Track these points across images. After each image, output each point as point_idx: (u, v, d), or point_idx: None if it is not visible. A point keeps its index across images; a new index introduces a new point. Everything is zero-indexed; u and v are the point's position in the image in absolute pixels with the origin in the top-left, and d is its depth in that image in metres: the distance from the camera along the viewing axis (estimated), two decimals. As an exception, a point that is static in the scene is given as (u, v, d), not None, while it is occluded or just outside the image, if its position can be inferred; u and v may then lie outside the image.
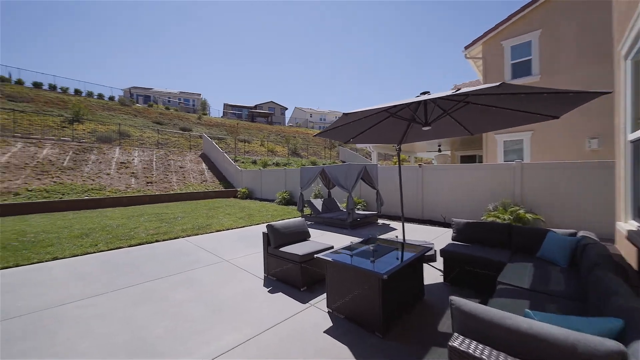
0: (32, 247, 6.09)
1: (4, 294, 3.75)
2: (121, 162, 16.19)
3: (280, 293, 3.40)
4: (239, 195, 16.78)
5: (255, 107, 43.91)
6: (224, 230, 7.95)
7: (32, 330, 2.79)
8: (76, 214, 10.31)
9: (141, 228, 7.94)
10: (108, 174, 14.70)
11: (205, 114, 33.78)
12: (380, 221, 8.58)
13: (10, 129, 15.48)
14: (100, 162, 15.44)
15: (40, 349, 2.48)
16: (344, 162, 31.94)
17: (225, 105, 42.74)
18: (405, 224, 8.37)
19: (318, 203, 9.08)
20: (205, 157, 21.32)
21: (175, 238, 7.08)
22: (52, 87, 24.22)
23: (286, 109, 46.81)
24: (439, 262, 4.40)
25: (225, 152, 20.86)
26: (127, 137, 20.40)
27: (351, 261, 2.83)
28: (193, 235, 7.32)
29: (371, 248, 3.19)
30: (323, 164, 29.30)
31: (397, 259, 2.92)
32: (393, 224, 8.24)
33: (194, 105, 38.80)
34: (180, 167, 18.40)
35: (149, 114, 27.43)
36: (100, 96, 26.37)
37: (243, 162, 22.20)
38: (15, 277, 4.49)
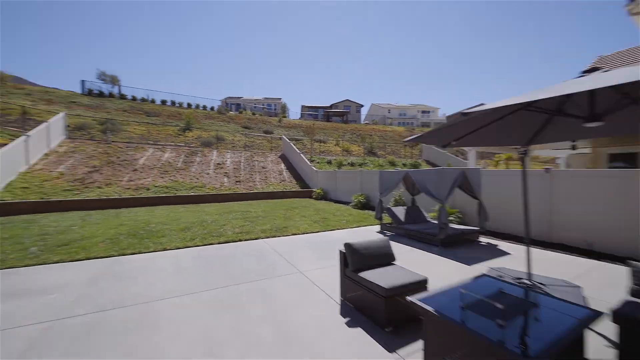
0: (151, 236, 7.25)
1: (127, 279, 4.47)
2: (217, 163, 18.54)
3: (359, 329, 2.91)
4: (314, 196, 17.10)
5: (331, 106, 44.60)
6: (299, 234, 7.99)
7: (138, 321, 3.20)
8: (185, 207, 12.15)
9: (229, 226, 8.67)
10: (207, 174, 17.02)
11: (284, 117, 36.12)
12: (482, 239, 6.99)
13: (146, 137, 19.59)
14: (203, 163, 18.00)
15: (140, 344, 2.73)
16: (428, 161, 29.28)
17: (303, 107, 44.83)
18: (526, 248, 6.75)
19: (400, 212, 8.10)
20: (284, 158, 22.62)
21: (255, 239, 7.44)
22: (172, 103, 30.01)
23: (362, 106, 46.01)
24: (604, 325, 2.48)
25: (302, 153, 21.66)
26: (222, 141, 23.35)
27: (465, 318, 1.88)
28: (271, 237, 7.57)
29: (497, 299, 2.08)
30: (403, 165, 27.61)
31: (547, 324, 1.86)
32: (502, 244, 6.55)
33: (275, 109, 41.95)
34: (263, 168, 19.95)
35: (239, 119, 30.93)
36: (204, 107, 31.30)
37: (318, 162, 22.64)
38: (137, 263, 5.37)
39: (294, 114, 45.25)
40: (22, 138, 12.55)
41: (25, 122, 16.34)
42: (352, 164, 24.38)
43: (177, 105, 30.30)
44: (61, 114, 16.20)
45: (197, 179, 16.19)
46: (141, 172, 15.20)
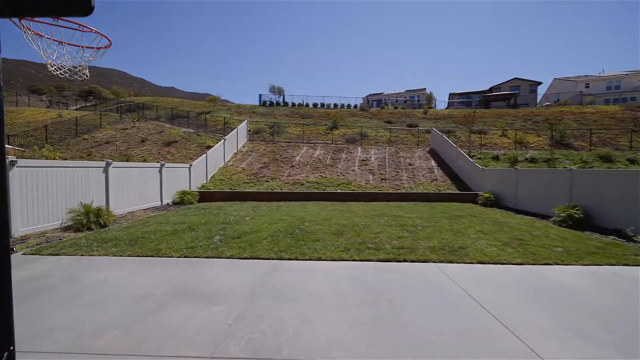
0: (306, 238, 6.62)
1: (285, 301, 3.52)
2: (362, 160, 17.71)
3: None
4: (480, 201, 13.02)
5: (491, 89, 35.48)
6: (488, 262, 5.30)
7: None
8: (333, 205, 11.72)
9: (384, 234, 7.06)
10: (353, 170, 16.43)
11: (430, 107, 31.62)
12: None
13: (301, 137, 21.61)
14: (348, 160, 17.66)
15: None
16: None
17: (451, 95, 38.12)
18: None
19: None
20: (433, 153, 19.14)
21: (424, 261, 5.40)
22: (322, 105, 32.60)
23: (539, 83, 33.98)
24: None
25: (459, 147, 17.44)
26: (366, 137, 22.56)
27: None
28: (446, 262, 5.31)
29: None
30: (629, 161, 17.53)
31: None
32: None
33: (419, 100, 37.83)
34: (410, 164, 17.45)
35: (381, 115, 29.52)
36: (348, 106, 32.12)
37: (480, 158, 17.69)
38: (293, 276, 4.45)
39: (441, 103, 39.37)
40: (222, 141, 16.14)
41: (226, 130, 21.49)
42: (532, 160, 17.67)
43: (325, 106, 32.70)
44: (245, 121, 20.18)
45: (343, 175, 15.89)
46: (297, 168, 16.46)
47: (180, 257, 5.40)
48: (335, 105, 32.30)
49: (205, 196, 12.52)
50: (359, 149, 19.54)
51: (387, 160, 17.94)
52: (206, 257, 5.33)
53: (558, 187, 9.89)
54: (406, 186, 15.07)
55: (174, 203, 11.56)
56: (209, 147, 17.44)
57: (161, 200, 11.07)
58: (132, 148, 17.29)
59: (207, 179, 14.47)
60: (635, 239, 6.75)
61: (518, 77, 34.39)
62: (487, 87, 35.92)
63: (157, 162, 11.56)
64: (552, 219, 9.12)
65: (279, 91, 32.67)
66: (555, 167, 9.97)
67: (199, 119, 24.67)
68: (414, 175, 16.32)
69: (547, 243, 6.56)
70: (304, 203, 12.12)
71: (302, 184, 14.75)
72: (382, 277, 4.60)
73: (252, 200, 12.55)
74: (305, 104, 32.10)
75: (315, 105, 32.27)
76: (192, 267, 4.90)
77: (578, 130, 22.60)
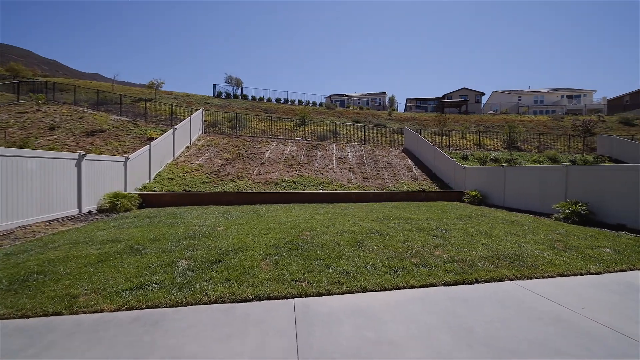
0: (322, 255, 4.60)
1: None
2: (339, 158, 16.04)
3: None
4: (466, 200, 12.47)
5: (444, 97, 37.74)
6: (568, 274, 4.16)
7: None
8: (323, 207, 9.65)
9: (414, 242, 5.44)
10: (332, 169, 14.62)
11: (394, 110, 31.90)
12: None
13: (266, 132, 18.99)
14: (324, 157, 15.80)
15: None
16: (603, 156, 20.07)
17: (408, 100, 39.51)
18: None
19: None
20: (408, 152, 18.56)
21: (499, 279, 3.98)
22: (285, 101, 30.22)
23: (482, 94, 37.30)
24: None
25: (435, 146, 17.08)
26: (337, 135, 21.06)
27: None
28: (524, 277, 4.16)
29: None
30: (571, 161, 19.52)
31: None
32: None
33: (380, 103, 38.26)
34: (388, 163, 16.42)
35: (348, 114, 28.54)
36: (313, 104, 30.38)
37: (452, 158, 17.61)
38: (334, 330, 2.26)
39: (401, 107, 40.45)
40: (170, 131, 12.72)
41: (173, 120, 17.66)
42: (496, 160, 18.34)
43: (290, 102, 30.42)
44: (200, 111, 16.76)
45: (322, 174, 13.95)
46: (268, 165, 13.95)
47: (119, 309, 2.82)
48: (300, 102, 30.31)
49: (149, 200, 9.24)
50: (334, 146, 17.87)
51: (365, 158, 16.62)
52: (172, 306, 2.87)
53: (552, 184, 9.58)
54: (390, 185, 13.86)
55: (101, 210, 8.11)
56: (151, 139, 13.77)
57: (79, 207, 7.58)
58: (36, 137, 12.55)
59: (150, 178, 11.02)
60: None
61: (466, 87, 37.37)
62: (440, 95, 38.21)
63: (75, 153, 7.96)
64: (555, 216, 8.67)
65: (237, 83, 29.21)
66: (569, 165, 9.65)
67: (137, 106, 20.07)
68: (394, 174, 15.26)
69: (586, 243, 5.75)
70: (286, 206, 9.80)
71: (277, 184, 12.34)
72: (471, 310, 2.89)
73: (216, 204, 9.71)
74: (267, 98, 29.35)
75: (278, 100, 29.75)
76: (148, 334, 2.40)
77: (524, 134, 24.74)
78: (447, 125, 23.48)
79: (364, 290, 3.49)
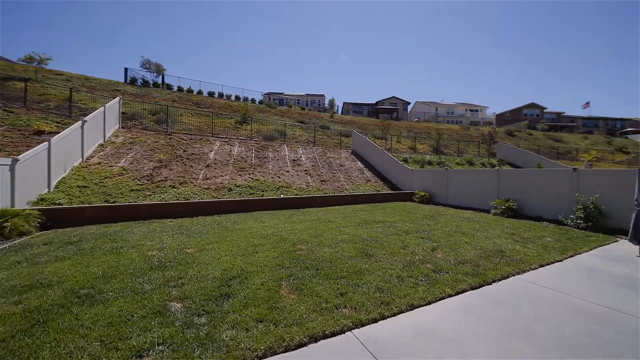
0: (339, 272, 4.21)
1: None
2: (292, 160, 15.47)
3: None
4: (416, 199, 13.76)
5: (377, 103, 41.23)
6: (544, 264, 5.17)
7: None
8: (292, 214, 8.98)
9: (413, 247, 5.88)
10: (287, 172, 13.94)
11: (335, 113, 33.00)
12: None
13: (203, 129, 16.81)
14: (278, 159, 14.97)
15: None
16: (506, 161, 25.32)
17: (345, 104, 41.63)
18: None
19: None
20: (356, 155, 19.37)
21: (506, 276, 4.76)
22: (220, 95, 27.47)
23: (409, 103, 42.37)
24: None
25: (384, 150, 18.29)
26: (284, 135, 20.37)
27: None
28: (520, 271, 4.68)
29: None
30: (482, 164, 23.80)
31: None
32: None
33: (319, 104, 39.10)
34: (340, 165, 16.74)
35: (291, 114, 28.02)
36: (253, 100, 28.57)
37: (400, 161, 19.24)
38: None
39: (338, 110, 41.98)
40: (78, 124, 9.80)
41: (73, 109, 13.82)
42: (430, 162, 20.92)
43: (225, 97, 27.76)
44: (116, 99, 13.54)
45: (278, 177, 13.11)
46: (215, 168, 12.26)
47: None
48: (238, 98, 28.04)
49: (57, 217, 6.78)
50: (285, 147, 17.14)
51: (318, 160, 16.48)
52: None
53: (487, 184, 11.39)
54: (347, 187, 14.08)
55: (-27, 238, 5.49)
56: (40, 133, 10.46)
57: None
58: None
59: (50, 187, 8.19)
60: (565, 222, 8.26)
61: (395, 96, 41.80)
62: (373, 101, 41.62)
63: None
64: (493, 211, 10.30)
65: (158, 69, 24.92)
66: (501, 169, 11.42)
67: (7, 87, 14.93)
68: (349, 176, 15.61)
69: (533, 234, 7.14)
70: (251, 215, 8.72)
71: (230, 189, 10.93)
72: (511, 311, 3.32)
73: (160, 218, 7.87)
74: (197, 91, 26.00)
75: (211, 94, 26.75)
76: None
77: (445, 141, 29.01)
78: (390, 130, 25.57)
79: (412, 307, 3.33)
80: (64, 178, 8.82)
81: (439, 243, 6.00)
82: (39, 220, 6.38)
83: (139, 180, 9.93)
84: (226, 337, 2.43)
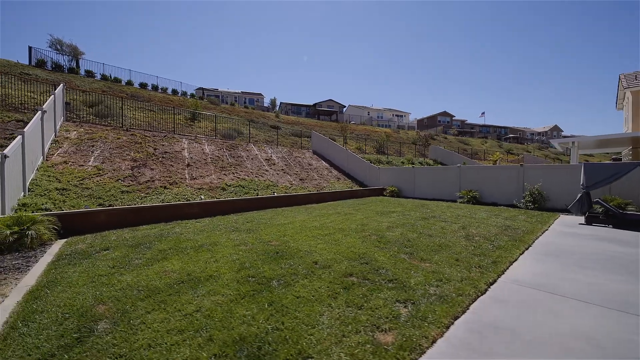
0: (429, 250, 5.70)
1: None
2: (265, 159, 16.02)
3: None
4: (386, 194, 16.36)
5: (315, 105, 43.80)
6: (543, 234, 7.35)
7: None
8: (307, 209, 9.96)
9: (451, 227, 7.47)
10: (266, 171, 14.52)
11: (280, 113, 33.81)
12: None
13: (153, 125, 15.54)
14: (252, 158, 15.30)
15: None
16: (437, 161, 31.17)
17: (281, 104, 42.79)
18: None
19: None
20: (318, 154, 21.04)
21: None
22: (155, 88, 24.71)
23: (344, 107, 46.49)
24: None
25: (347, 149, 20.49)
26: (242, 134, 20.39)
27: None
28: (540, 236, 6.80)
29: None
30: (420, 163, 28.76)
31: None
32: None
33: (258, 102, 39.12)
34: (309, 165, 18.14)
35: (236, 112, 27.57)
36: (192, 95, 26.74)
37: (366, 160, 21.80)
38: None
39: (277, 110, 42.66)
40: (38, 115, 8.35)
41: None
42: (379, 161, 24.31)
43: (161, 90, 25.02)
44: (60, 87, 11.47)
45: (262, 176, 13.60)
46: (197, 167, 11.93)
47: None
48: (175, 92, 25.69)
49: (65, 224, 6.10)
50: (253, 147, 17.40)
51: (288, 160, 17.41)
52: None
53: (451, 179, 14.58)
54: (325, 185, 15.58)
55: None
56: None
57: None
58: None
59: (25, 190, 7.00)
60: (518, 205, 11.46)
61: (332, 99, 45.32)
62: (310, 102, 44.06)
63: None
64: (459, 200, 13.34)
65: (73, 52, 20.69)
66: (462, 165, 14.73)
67: None
68: (321, 174, 17.13)
69: (509, 215, 9.40)
70: (272, 212, 9.34)
71: (224, 189, 11.02)
72: (561, 256, 5.23)
73: (179, 219, 7.75)
74: (127, 81, 22.61)
75: (143, 85, 23.71)
76: None
77: (386, 142, 33.44)
78: (347, 133, 28.03)
79: (511, 263, 4.69)
80: (35, 179, 7.56)
81: (461, 224, 7.84)
82: (55, 227, 5.74)
83: (123, 181, 9.14)
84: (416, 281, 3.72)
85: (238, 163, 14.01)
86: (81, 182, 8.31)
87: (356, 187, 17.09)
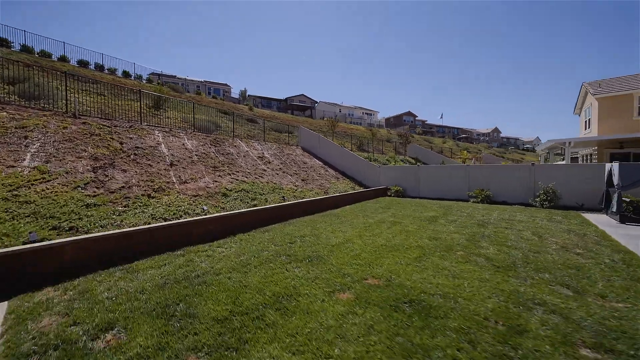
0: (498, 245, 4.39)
1: None
2: (258, 157, 13.61)
3: None
4: (391, 194, 15.22)
5: (286, 99, 41.35)
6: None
7: None
8: (330, 224, 8.06)
9: (526, 241, 6.38)
10: (264, 170, 12.19)
11: (253, 106, 30.76)
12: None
13: (106, 112, 12.03)
14: (244, 156, 12.79)
15: None
16: (415, 158, 31.18)
17: (251, 97, 39.54)
18: None
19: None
20: (308, 151, 19.05)
21: None
22: (100, 67, 19.87)
23: (316, 102, 44.83)
24: None
25: (342, 147, 18.78)
26: (219, 127, 17.49)
27: None
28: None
29: None
30: (402, 161, 28.31)
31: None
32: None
33: (225, 94, 35.46)
34: (304, 163, 16.13)
35: (204, 102, 24.01)
36: (149, 80, 22.30)
37: (364, 159, 20.32)
38: None
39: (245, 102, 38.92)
40: None
41: None
42: (370, 160, 23.22)
43: (108, 71, 20.14)
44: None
45: (261, 177, 11.25)
46: (183, 168, 9.15)
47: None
48: (127, 74, 20.97)
49: (8, 268, 3.39)
50: (241, 142, 14.74)
51: (281, 158, 15.13)
52: None
53: (458, 178, 13.82)
54: (328, 186, 13.74)
55: None
56: None
57: None
58: None
59: None
60: (533, 203, 11.27)
61: (304, 94, 43.19)
62: (282, 96, 41.47)
63: None
64: (472, 200, 12.69)
65: None
66: (469, 165, 14.06)
67: None
68: (319, 174, 15.23)
69: (528, 213, 9.21)
70: (293, 226, 7.21)
71: (226, 195, 8.52)
72: None
73: (191, 245, 5.29)
74: (61, 56, 17.55)
75: (83, 63, 18.74)
76: None
77: (365, 139, 32.57)
78: (335, 129, 26.27)
79: None
80: None
81: (531, 231, 6.97)
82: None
83: (84, 189, 6.21)
84: None
85: (230, 162, 11.41)
86: (15, 192, 5.29)
87: (359, 188, 15.59)
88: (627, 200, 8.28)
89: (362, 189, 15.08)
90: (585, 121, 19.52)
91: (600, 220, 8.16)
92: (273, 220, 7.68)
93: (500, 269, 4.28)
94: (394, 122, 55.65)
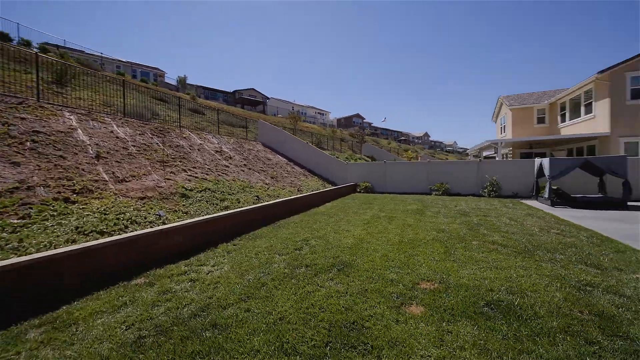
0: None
1: None
2: (216, 151, 11.36)
3: None
4: (361, 190, 14.52)
5: (235, 92, 37.96)
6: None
7: None
8: (323, 223, 6.69)
9: (495, 216, 6.15)
10: (227, 167, 10.12)
11: (196, 96, 27.03)
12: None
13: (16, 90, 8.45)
14: (199, 149, 10.45)
15: None
16: (371, 157, 31.38)
17: (192, 86, 35.29)
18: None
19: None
20: (268, 147, 17.14)
21: None
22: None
23: (268, 98, 42.30)
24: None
25: (308, 143, 17.25)
26: (158, 116, 14.45)
27: None
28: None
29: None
30: (359, 159, 28.02)
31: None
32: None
33: (156, 79, 30.79)
34: (268, 159, 14.31)
35: (138, 87, 19.89)
36: (44, 49, 17.01)
37: (331, 155, 19.03)
38: None
39: (183, 91, 34.09)
40: None
41: None
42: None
43: None
44: None
45: (225, 174, 9.19)
46: (118, 161, 6.63)
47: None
48: (6, 36, 15.37)
49: None
50: (191, 134, 12.15)
51: (243, 153, 13.01)
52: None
53: (420, 174, 13.93)
54: (299, 184, 12.23)
55: None
56: None
57: None
58: None
59: None
60: (482, 194, 12.42)
61: (255, 88, 40.10)
62: (229, 89, 37.74)
63: None
64: (434, 193, 13.01)
65: None
66: (432, 160, 14.16)
67: None
68: (288, 172, 13.58)
69: (487, 200, 9.43)
70: (284, 229, 5.58)
71: (186, 196, 6.38)
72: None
73: (149, 268, 3.31)
74: None
75: None
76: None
77: (322, 138, 31.57)
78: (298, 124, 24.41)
79: None
80: None
81: (506, 218, 6.58)
82: None
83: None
84: None
85: (182, 156, 9.02)
86: None
87: (328, 185, 14.47)
88: (554, 188, 9.55)
89: (332, 186, 13.95)
90: (501, 127, 21.98)
91: (538, 205, 9.30)
92: (258, 223, 5.98)
93: (522, 254, 4.21)
94: (345, 123, 56.21)
